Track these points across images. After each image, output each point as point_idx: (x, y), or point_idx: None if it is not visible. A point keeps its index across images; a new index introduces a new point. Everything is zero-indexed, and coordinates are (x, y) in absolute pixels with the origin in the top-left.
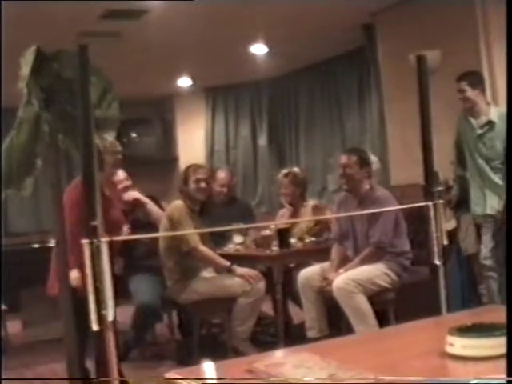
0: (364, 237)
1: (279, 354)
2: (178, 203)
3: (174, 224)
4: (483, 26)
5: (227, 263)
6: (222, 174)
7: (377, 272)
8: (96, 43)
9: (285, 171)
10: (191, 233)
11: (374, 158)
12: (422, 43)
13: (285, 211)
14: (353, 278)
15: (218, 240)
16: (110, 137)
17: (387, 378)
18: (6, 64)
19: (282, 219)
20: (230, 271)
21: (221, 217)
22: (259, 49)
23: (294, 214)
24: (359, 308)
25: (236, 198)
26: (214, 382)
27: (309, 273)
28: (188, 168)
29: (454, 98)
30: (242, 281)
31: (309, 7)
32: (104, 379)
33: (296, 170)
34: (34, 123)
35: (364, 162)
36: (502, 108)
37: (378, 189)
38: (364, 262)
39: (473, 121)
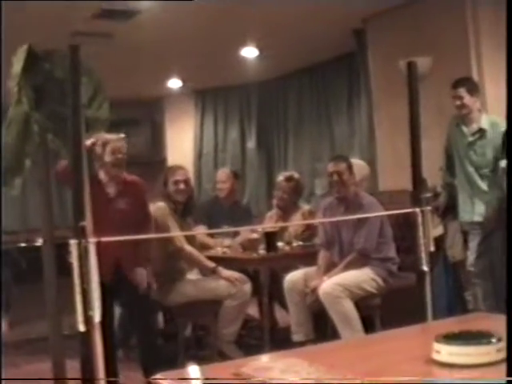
0: (349, 243)
1: (266, 358)
2: (160, 204)
3: (157, 225)
4: (474, 34)
5: (212, 264)
6: (220, 174)
7: (364, 277)
8: (87, 43)
9: (286, 174)
10: (177, 235)
11: (363, 164)
12: (412, 50)
13: (272, 213)
14: (340, 283)
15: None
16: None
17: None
18: None
19: (270, 221)
20: (214, 272)
21: (220, 218)
22: (249, 52)
23: (283, 217)
24: (345, 313)
25: (237, 200)
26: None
27: (295, 277)
28: (167, 170)
29: (443, 104)
30: (228, 283)
31: (300, 11)
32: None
33: (296, 175)
34: (23, 122)
35: (352, 169)
36: (493, 116)
37: (364, 195)
38: (348, 267)
39: (464, 128)
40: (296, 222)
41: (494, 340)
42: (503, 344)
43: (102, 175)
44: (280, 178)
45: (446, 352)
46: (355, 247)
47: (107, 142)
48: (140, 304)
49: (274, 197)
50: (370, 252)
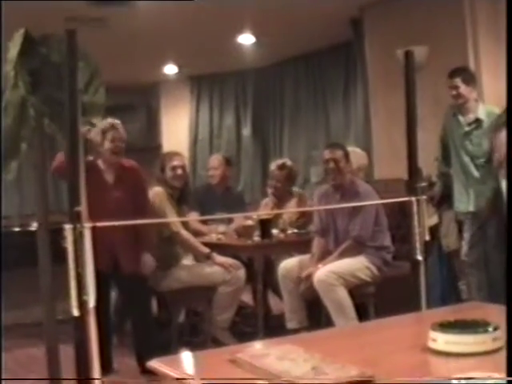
0: (345, 231)
1: (262, 345)
2: (157, 189)
3: (154, 210)
4: (471, 23)
5: (207, 250)
6: (212, 161)
7: (358, 265)
8: (83, 29)
9: (279, 162)
10: (174, 220)
11: (362, 153)
12: (409, 39)
13: (268, 201)
14: (334, 271)
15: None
16: (96, 121)
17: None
18: None
19: (265, 209)
20: (208, 258)
21: (213, 205)
22: (246, 39)
23: (278, 205)
24: (339, 301)
25: (229, 187)
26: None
27: (289, 264)
28: (164, 155)
29: (439, 94)
30: (222, 269)
31: None
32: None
33: (289, 162)
34: (19, 107)
35: (348, 157)
36: (490, 106)
37: (360, 183)
38: (343, 255)
39: (461, 118)
40: (291, 209)
41: (490, 329)
42: (499, 333)
43: (100, 162)
44: (273, 166)
45: (442, 340)
46: (351, 234)
47: (107, 130)
48: (139, 290)
49: (268, 185)
50: (366, 240)
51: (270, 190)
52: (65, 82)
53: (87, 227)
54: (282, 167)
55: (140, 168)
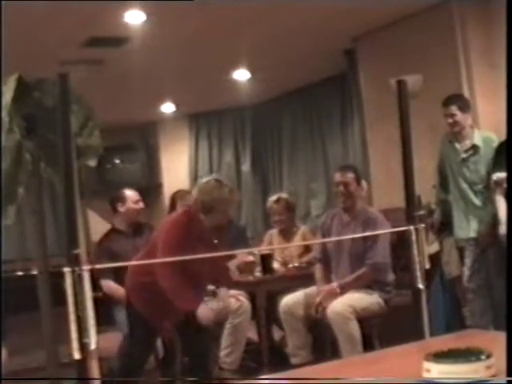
0: (355, 256)
1: (261, 381)
2: None
3: None
4: (463, 50)
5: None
6: None
7: (372, 300)
8: (78, 70)
9: (274, 197)
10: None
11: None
12: (403, 68)
13: (273, 232)
14: (350, 304)
15: None
16: (93, 163)
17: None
18: None
19: (269, 238)
20: (214, 294)
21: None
22: (242, 75)
23: (285, 238)
24: (352, 335)
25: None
26: None
27: (291, 300)
28: (175, 194)
29: (435, 122)
30: (228, 300)
31: (291, 32)
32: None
33: (284, 195)
34: (15, 151)
35: (359, 179)
36: (485, 131)
37: (372, 210)
38: (358, 281)
39: (457, 145)
40: (298, 243)
41: (483, 357)
42: (493, 360)
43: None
44: (269, 203)
45: (436, 371)
46: (368, 262)
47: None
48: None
49: (272, 222)
50: (382, 267)
51: (276, 226)
52: (59, 125)
53: (86, 270)
54: (277, 201)
55: None
